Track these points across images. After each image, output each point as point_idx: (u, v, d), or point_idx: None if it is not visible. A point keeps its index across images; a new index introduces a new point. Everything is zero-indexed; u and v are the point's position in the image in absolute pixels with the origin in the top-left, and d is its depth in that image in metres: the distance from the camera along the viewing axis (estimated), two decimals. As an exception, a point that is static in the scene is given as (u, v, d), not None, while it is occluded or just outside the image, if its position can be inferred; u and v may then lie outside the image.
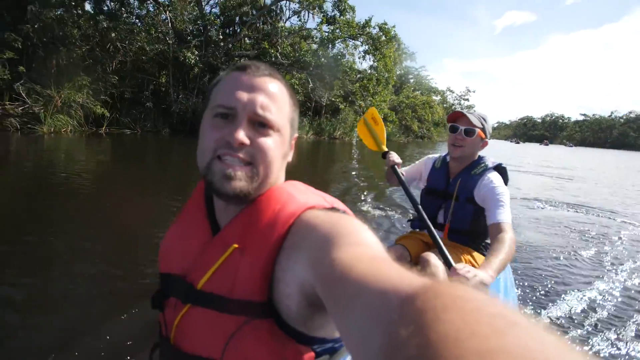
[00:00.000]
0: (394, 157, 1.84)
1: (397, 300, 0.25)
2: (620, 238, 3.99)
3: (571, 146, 74.94)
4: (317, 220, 0.49)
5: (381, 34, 17.83)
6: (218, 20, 16.93)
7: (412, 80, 37.70)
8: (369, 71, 19.66)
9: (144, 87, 15.40)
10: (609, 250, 3.52)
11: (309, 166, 8.65)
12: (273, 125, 0.56)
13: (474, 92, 61.17)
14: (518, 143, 68.42)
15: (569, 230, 4.19)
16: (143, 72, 15.23)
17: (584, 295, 2.45)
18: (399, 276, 0.29)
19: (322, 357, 0.54)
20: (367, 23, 17.42)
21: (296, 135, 0.65)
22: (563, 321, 2.12)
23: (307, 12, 18.13)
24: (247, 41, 18.54)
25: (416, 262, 1.57)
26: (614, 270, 2.99)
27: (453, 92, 55.42)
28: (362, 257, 0.37)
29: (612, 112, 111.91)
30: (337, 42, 16.91)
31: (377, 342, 0.23)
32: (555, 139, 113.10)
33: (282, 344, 0.50)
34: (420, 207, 1.64)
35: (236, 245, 0.53)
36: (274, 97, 0.56)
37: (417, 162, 1.97)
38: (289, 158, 0.64)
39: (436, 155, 1.90)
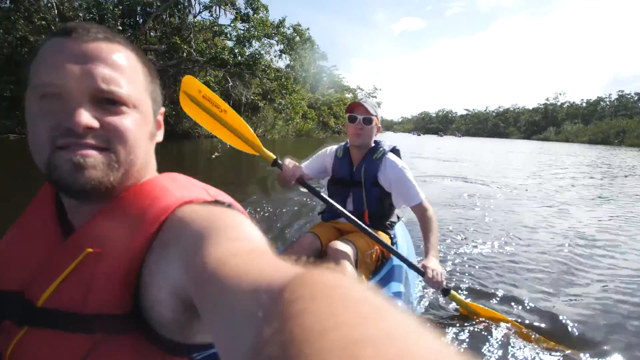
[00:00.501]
0: (292, 165, 1.54)
1: (267, 295, 0.23)
2: (493, 198, 5.25)
3: (460, 136, 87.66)
4: (193, 216, 0.43)
5: (295, 34, 18.45)
6: (117, 9, 15.35)
7: (325, 79, 39.67)
8: (286, 70, 20.13)
9: (27, 83, 13.24)
10: (485, 208, 4.58)
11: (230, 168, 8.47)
12: (126, 100, 0.46)
13: (380, 89, 67.04)
14: (419, 135, 77.05)
15: (457, 196, 5.39)
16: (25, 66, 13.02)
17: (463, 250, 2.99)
18: (274, 269, 0.27)
19: None
20: (282, 23, 17.88)
21: (162, 109, 0.56)
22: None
23: (218, 7, 17.74)
24: (152, 34, 17.23)
25: (326, 248, 1.57)
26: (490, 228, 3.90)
27: (363, 90, 59.60)
28: (237, 252, 0.34)
29: (486, 107, 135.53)
30: (252, 40, 16.89)
31: (247, 342, 0.21)
32: (447, 130, 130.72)
33: (150, 359, 0.44)
34: (331, 200, 1.59)
35: (90, 250, 0.43)
36: (118, 67, 0.45)
37: (314, 156, 1.91)
38: (159, 138, 0.55)
39: (335, 146, 1.90)
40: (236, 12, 17.35)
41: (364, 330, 0.15)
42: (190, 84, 1.44)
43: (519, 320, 1.88)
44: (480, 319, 1.79)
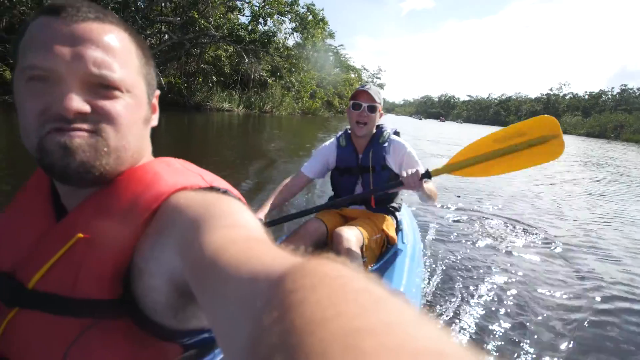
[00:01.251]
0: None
1: (266, 283, 0.23)
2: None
3: (461, 122, 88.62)
4: (188, 202, 0.42)
5: (308, 13, 18.82)
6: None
7: (331, 58, 39.67)
8: (296, 50, 20.55)
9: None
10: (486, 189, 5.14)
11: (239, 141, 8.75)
12: (119, 84, 0.44)
13: (385, 71, 66.73)
14: (421, 119, 77.49)
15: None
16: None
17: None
18: (273, 257, 0.27)
19: (193, 349, 0.48)
20: (295, 1, 18.22)
21: (157, 92, 0.53)
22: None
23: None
24: (164, 5, 17.46)
25: (332, 234, 1.57)
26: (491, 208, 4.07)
27: (367, 71, 59.42)
28: (235, 239, 0.34)
29: (489, 94, 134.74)
30: (267, 18, 17.32)
31: (245, 331, 0.21)
32: (448, 115, 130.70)
33: (140, 344, 0.43)
34: (328, 203, 1.68)
35: (81, 235, 0.43)
36: (110, 49, 0.43)
37: (314, 154, 1.84)
38: (154, 122, 0.54)
39: (333, 138, 1.87)
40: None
41: (364, 320, 0.15)
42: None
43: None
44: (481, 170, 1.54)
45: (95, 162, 0.44)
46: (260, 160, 5.95)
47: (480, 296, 2.09)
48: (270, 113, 23.02)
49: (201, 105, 18.04)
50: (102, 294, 0.42)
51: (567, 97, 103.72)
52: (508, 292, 2.16)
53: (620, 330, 1.90)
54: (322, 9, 19.15)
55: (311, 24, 18.77)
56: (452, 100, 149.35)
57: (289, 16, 18.47)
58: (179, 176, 0.48)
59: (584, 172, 8.96)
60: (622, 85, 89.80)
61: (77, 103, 0.41)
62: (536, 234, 3.37)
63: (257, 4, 17.56)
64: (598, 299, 2.21)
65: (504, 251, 2.83)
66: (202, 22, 15.98)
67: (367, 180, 1.75)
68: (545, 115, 1.44)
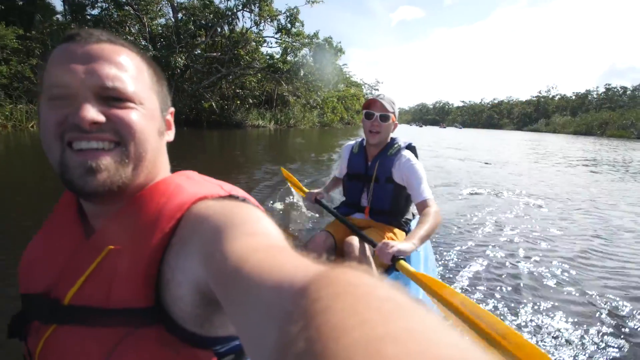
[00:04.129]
0: (312, 194, 1.98)
1: (290, 292, 0.24)
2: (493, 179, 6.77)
3: (460, 127, 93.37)
4: (209, 211, 0.44)
5: (325, 44, 23.05)
6: (191, 25, 19.85)
7: (338, 77, 44.21)
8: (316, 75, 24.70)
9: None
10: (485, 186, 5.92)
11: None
12: (131, 97, 0.46)
13: (382, 83, 71.36)
14: (421, 126, 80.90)
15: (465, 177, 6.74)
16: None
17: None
18: (295, 266, 0.28)
19: (227, 357, 0.48)
20: (315, 35, 22.45)
21: (172, 109, 0.57)
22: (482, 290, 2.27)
23: (264, 21, 22.17)
24: (202, 41, 21.50)
25: (342, 247, 1.61)
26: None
27: (366, 84, 63.99)
28: (257, 247, 0.35)
29: (481, 99, 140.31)
30: (296, 51, 21.58)
31: (271, 339, 0.22)
32: (443, 121, 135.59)
33: (175, 352, 0.44)
34: (340, 216, 1.76)
35: (112, 247, 0.45)
36: (122, 66, 0.47)
37: (340, 157, 2.03)
38: (169, 137, 0.56)
39: (352, 142, 1.97)
40: (278, 26, 21.83)
41: (387, 328, 0.15)
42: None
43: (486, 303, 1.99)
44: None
45: (115, 177, 0.46)
46: (291, 156, 8.62)
47: (495, 306, 2.04)
48: (295, 127, 27.06)
49: (241, 123, 22.01)
50: (134, 302, 0.43)
51: (556, 99, 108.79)
52: (524, 303, 2.08)
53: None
54: (340, 42, 23.42)
55: (329, 52, 22.98)
56: (447, 106, 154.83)
57: (308, 47, 22.64)
58: (199, 187, 0.49)
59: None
60: (606, 84, 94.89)
61: (92, 113, 0.43)
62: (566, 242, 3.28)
63: (287, 40, 21.75)
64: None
65: (520, 261, 2.75)
66: (247, 57, 20.12)
67: (371, 190, 1.80)
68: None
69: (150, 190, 0.50)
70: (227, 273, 0.33)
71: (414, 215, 1.96)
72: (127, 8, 18.62)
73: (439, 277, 2.23)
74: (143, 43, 18.00)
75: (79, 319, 0.44)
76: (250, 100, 23.34)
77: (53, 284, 0.47)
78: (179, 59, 17.87)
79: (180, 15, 20.42)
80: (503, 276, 2.49)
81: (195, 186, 0.50)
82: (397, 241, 1.47)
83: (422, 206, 1.62)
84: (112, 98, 0.46)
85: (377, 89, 69.20)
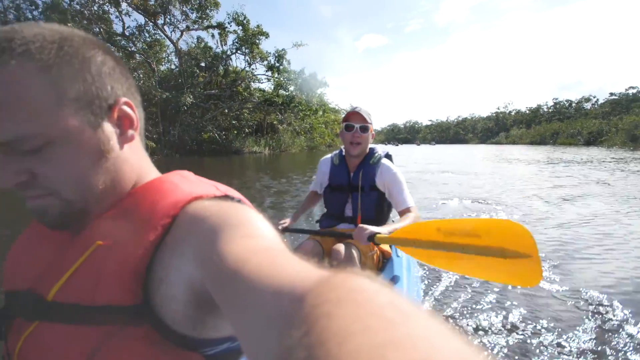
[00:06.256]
0: (276, 226, 1.83)
1: (292, 297, 0.23)
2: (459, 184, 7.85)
3: (434, 144, 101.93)
4: (205, 212, 0.42)
5: (310, 78, 26.73)
6: (195, 68, 22.86)
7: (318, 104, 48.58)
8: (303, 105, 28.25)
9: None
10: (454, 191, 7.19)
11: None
12: (35, 139, 0.39)
13: (356, 108, 76.43)
14: (397, 145, 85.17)
15: (441, 186, 7.44)
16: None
17: None
18: (296, 270, 0.27)
19: None
20: (302, 71, 26.08)
21: (122, 100, 0.45)
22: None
23: (254, 62, 25.53)
24: (201, 81, 24.47)
25: (329, 255, 1.62)
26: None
27: (343, 109, 68.75)
28: (255, 250, 0.34)
29: (447, 117, 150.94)
30: (286, 86, 25.07)
31: (273, 344, 0.22)
32: (415, 139, 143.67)
33: (162, 353, 0.42)
34: (316, 230, 1.79)
35: (100, 242, 0.43)
36: (4, 106, 0.36)
37: (317, 172, 2.01)
38: (131, 134, 0.47)
39: (329, 155, 1.97)
40: (268, 65, 25.20)
41: (390, 334, 0.15)
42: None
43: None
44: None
45: (66, 211, 0.43)
46: (283, 175, 9.59)
47: (478, 300, 2.12)
48: (286, 151, 30.02)
49: (239, 150, 24.70)
50: (123, 299, 0.40)
51: (512, 113, 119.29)
52: (506, 295, 2.14)
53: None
54: (324, 77, 27.22)
55: (315, 86, 26.66)
56: (417, 125, 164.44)
57: (297, 83, 26.17)
58: (194, 186, 0.48)
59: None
60: (554, 98, 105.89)
61: (8, 180, 0.40)
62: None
63: (277, 77, 25.17)
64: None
65: None
66: (245, 93, 23.25)
67: (356, 199, 1.83)
68: (513, 222, 1.10)
69: (145, 188, 0.48)
70: (225, 275, 0.33)
71: (393, 222, 1.97)
72: (138, 56, 21.39)
73: (422, 281, 2.30)
74: (154, 84, 20.62)
75: (62, 315, 0.41)
76: (246, 130, 26.22)
77: (38, 280, 0.44)
78: (188, 98, 20.63)
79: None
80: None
81: (191, 185, 0.48)
82: (369, 226, 1.49)
83: (406, 213, 1.68)
84: (15, 148, 0.39)
85: (352, 113, 73.99)
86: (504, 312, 2.06)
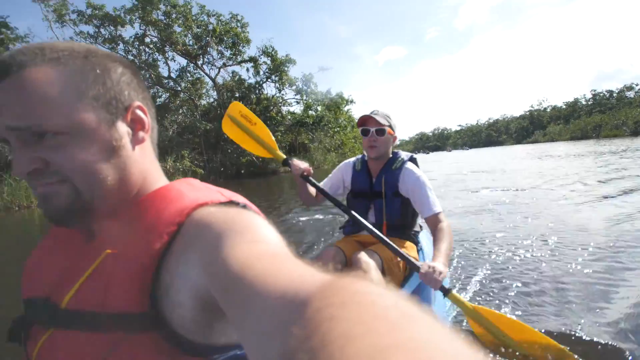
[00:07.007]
0: (300, 163, 1.72)
1: (296, 301, 0.24)
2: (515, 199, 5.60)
3: (467, 149, 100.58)
4: (210, 218, 0.43)
5: (338, 98, 28.16)
6: (232, 99, 25.09)
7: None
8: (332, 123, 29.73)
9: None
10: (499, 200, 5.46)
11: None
12: (56, 127, 0.41)
13: (373, 111, 77.17)
14: (428, 153, 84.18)
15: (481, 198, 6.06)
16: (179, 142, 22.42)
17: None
18: (301, 274, 0.28)
19: None
20: (328, 91, 27.65)
21: (135, 104, 0.49)
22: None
23: (284, 87, 27.50)
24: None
25: (351, 261, 1.57)
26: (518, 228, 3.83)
27: (368, 123, 69.87)
28: (260, 255, 0.35)
29: (477, 120, 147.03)
30: (316, 107, 26.72)
31: (276, 348, 0.22)
32: (445, 146, 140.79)
33: (170, 359, 0.43)
34: (351, 211, 1.67)
35: (109, 251, 0.45)
36: (28, 97, 0.40)
37: (333, 172, 1.94)
38: (142, 137, 0.50)
39: (352, 159, 1.93)
40: (297, 90, 27.02)
41: (393, 337, 0.15)
42: (235, 108, 1.82)
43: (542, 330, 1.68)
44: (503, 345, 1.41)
45: (73, 204, 0.45)
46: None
47: (513, 309, 1.99)
48: (319, 167, 31.40)
49: (276, 170, 26.32)
50: (130, 307, 0.42)
51: (548, 110, 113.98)
52: (536, 307, 1.99)
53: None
54: (350, 95, 28.66)
55: (340, 104, 28.07)
56: (445, 131, 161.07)
57: (324, 103, 27.74)
58: (200, 193, 0.49)
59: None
60: (592, 90, 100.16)
61: (23, 167, 0.42)
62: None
63: (306, 99, 26.89)
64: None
65: (532, 265, 2.67)
66: (278, 117, 25.04)
67: (380, 206, 1.79)
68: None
69: (152, 196, 0.49)
70: (229, 280, 0.33)
71: (421, 227, 1.95)
72: (182, 95, 23.98)
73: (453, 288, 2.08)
74: (198, 118, 22.94)
75: (74, 323, 0.43)
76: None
77: (53, 288, 0.47)
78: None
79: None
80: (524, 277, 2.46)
81: (196, 192, 0.49)
82: (434, 263, 1.41)
83: (434, 220, 1.61)
84: (37, 134, 0.41)
85: (378, 126, 74.66)
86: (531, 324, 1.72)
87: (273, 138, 1.81)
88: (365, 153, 1.87)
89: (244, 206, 0.49)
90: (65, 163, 0.43)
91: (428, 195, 1.68)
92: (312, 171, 1.75)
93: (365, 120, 1.77)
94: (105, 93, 0.46)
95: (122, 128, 0.48)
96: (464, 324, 1.81)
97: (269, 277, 0.29)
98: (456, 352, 0.14)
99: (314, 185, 1.73)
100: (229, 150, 23.98)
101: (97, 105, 0.45)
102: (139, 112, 0.50)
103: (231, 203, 0.48)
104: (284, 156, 1.81)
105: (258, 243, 0.38)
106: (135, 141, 0.50)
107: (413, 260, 1.52)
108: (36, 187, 0.44)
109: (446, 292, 1.46)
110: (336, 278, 0.23)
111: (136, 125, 0.50)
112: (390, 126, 1.77)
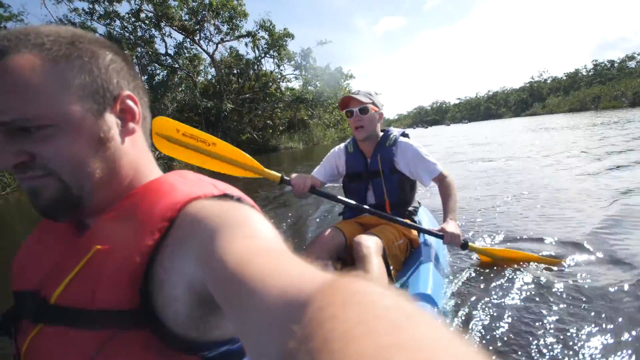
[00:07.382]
0: (302, 181, 1.70)
1: (296, 300, 0.24)
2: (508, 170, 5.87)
3: (467, 122, 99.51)
4: (204, 212, 0.43)
5: (337, 73, 28.04)
6: (231, 76, 25.01)
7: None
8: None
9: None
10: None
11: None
12: (41, 120, 0.41)
13: (379, 94, 76.28)
14: (426, 128, 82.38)
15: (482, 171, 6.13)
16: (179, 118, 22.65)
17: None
18: (301, 273, 0.28)
19: None
20: (328, 66, 27.46)
21: (125, 93, 0.48)
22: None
23: (283, 62, 27.30)
24: (236, 87, 26.63)
25: (351, 243, 1.58)
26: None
27: (367, 97, 69.23)
28: (257, 251, 0.34)
29: (476, 93, 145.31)
30: (316, 82, 26.66)
31: (276, 346, 0.22)
32: (443, 119, 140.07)
33: (161, 356, 0.42)
34: (348, 200, 1.72)
35: (99, 247, 0.43)
36: (10, 85, 0.39)
37: (324, 160, 1.93)
38: (133, 127, 0.49)
39: (342, 144, 1.93)
40: (296, 65, 26.84)
41: (395, 337, 0.15)
42: (164, 124, 1.44)
43: (547, 254, 2.16)
44: (504, 264, 2.02)
45: (62, 198, 0.44)
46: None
47: (507, 287, 1.90)
48: (319, 144, 31.74)
49: (277, 147, 26.68)
50: (120, 304, 0.41)
51: (549, 81, 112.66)
52: (535, 295, 1.82)
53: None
54: (350, 70, 28.56)
55: (341, 79, 28.00)
56: (444, 105, 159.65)
57: (323, 78, 27.65)
58: (193, 186, 0.48)
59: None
60: (593, 60, 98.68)
61: (6, 161, 0.41)
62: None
63: (305, 74, 26.79)
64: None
65: (533, 243, 2.52)
66: (277, 93, 25.08)
67: (378, 185, 1.78)
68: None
69: (144, 189, 0.48)
70: (226, 276, 0.33)
71: (419, 203, 1.99)
72: (179, 72, 23.83)
73: (450, 267, 2.17)
74: (197, 96, 23.00)
75: (63, 319, 0.42)
76: (280, 128, 28.19)
77: (43, 282, 0.46)
78: (228, 105, 22.79)
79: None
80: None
81: (190, 185, 0.48)
82: (448, 224, 1.60)
83: (440, 179, 1.71)
84: (20, 128, 0.40)
85: (377, 100, 74.03)
86: (534, 310, 1.69)
87: (250, 157, 1.63)
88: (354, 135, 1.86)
89: (239, 199, 0.48)
90: (51, 156, 0.42)
91: (427, 160, 1.74)
92: (316, 181, 1.81)
93: (348, 102, 1.76)
94: (92, 82, 0.44)
95: (111, 119, 0.47)
96: (475, 257, 2.22)
97: (268, 274, 0.29)
98: (457, 351, 0.14)
99: (321, 194, 1.72)
100: (231, 127, 24.20)
101: (83, 95, 0.43)
102: (129, 101, 0.48)
103: (225, 196, 0.47)
104: (279, 175, 1.70)
105: (254, 238, 0.38)
106: (125, 132, 0.49)
107: (430, 229, 1.68)
108: (24, 181, 0.44)
109: (465, 246, 1.73)
110: (336, 277, 0.24)
111: (126, 115, 0.49)
112: (373, 103, 1.75)
